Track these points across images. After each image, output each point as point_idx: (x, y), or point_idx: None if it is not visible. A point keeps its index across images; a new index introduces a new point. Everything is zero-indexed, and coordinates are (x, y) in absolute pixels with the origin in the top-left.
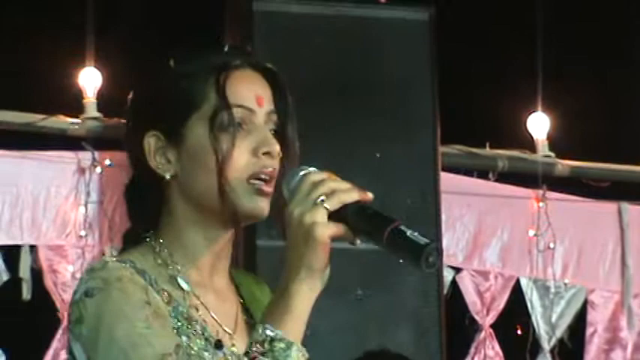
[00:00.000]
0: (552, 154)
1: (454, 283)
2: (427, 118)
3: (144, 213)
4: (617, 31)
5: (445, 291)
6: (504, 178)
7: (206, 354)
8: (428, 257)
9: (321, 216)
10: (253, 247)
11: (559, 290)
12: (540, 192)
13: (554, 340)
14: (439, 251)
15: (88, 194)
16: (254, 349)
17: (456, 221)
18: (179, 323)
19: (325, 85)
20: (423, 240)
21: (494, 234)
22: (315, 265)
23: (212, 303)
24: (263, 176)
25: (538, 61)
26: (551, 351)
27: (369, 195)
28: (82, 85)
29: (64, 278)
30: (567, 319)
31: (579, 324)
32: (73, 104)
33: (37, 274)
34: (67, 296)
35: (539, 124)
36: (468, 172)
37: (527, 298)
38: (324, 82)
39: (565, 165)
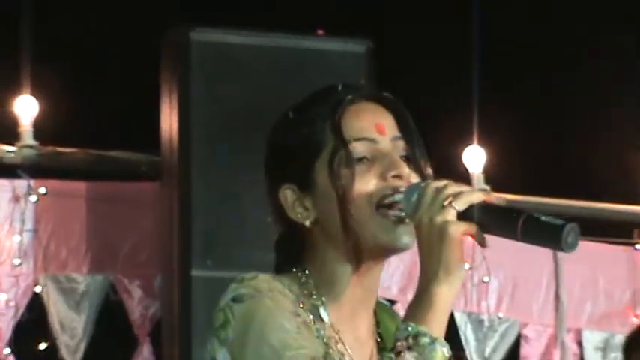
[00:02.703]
0: (488, 188)
1: None
2: None
3: (291, 260)
4: (553, 66)
5: None
6: None
7: None
8: (567, 237)
9: (451, 216)
10: (188, 277)
11: (493, 324)
12: None
13: None
14: (577, 230)
15: (23, 222)
16: (398, 344)
17: None
18: (318, 346)
19: (262, 116)
20: (559, 221)
21: None
22: (452, 263)
23: (349, 342)
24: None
25: (474, 94)
26: None
27: (492, 196)
28: (17, 113)
29: None
30: (501, 353)
31: (513, 358)
32: (9, 132)
33: None
34: (1, 324)
35: (474, 158)
36: None
37: (460, 331)
38: (261, 113)
39: (500, 199)
